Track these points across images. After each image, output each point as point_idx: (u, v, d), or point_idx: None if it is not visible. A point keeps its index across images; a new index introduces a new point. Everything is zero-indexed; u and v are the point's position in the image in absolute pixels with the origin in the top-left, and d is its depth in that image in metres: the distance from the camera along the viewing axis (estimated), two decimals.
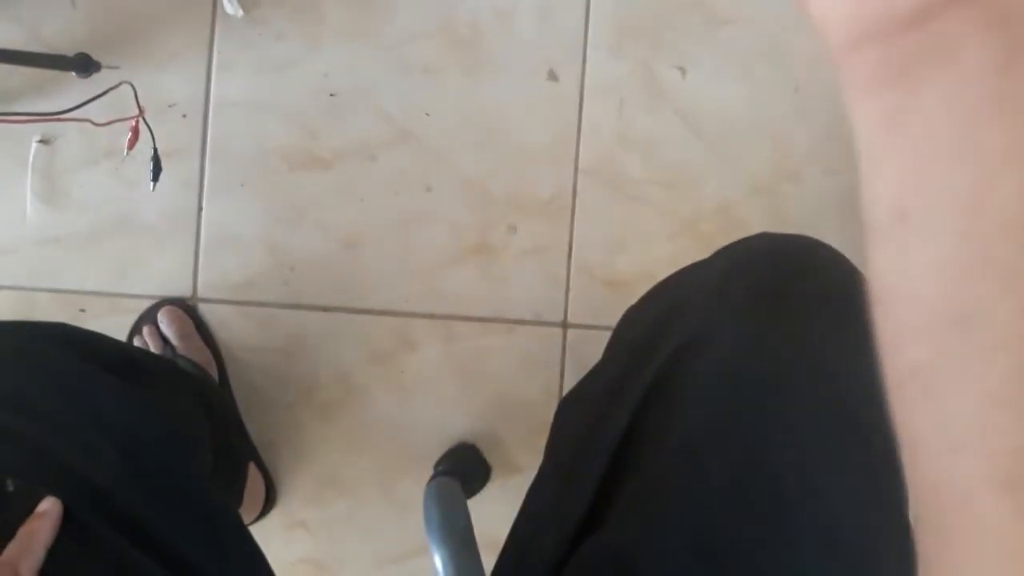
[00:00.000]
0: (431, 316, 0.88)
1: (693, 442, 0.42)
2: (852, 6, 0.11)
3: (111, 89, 0.79)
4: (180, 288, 0.88)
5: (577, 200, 0.88)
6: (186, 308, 0.86)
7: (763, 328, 0.43)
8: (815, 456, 0.40)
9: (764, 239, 0.49)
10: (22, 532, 0.37)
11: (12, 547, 0.36)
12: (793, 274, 0.45)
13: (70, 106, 0.78)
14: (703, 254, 0.51)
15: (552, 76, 0.88)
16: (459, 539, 0.69)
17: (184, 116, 0.87)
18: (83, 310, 0.88)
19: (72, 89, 0.83)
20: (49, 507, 0.39)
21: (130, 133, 0.79)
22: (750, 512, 0.39)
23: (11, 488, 0.41)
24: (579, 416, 0.55)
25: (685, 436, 0.42)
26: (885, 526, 0.40)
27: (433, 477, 0.83)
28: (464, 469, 0.84)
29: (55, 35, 0.87)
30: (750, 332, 0.43)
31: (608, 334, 0.58)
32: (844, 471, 0.40)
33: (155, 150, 0.81)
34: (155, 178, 0.81)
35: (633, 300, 0.56)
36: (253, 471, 0.83)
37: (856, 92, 0.12)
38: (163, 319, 0.84)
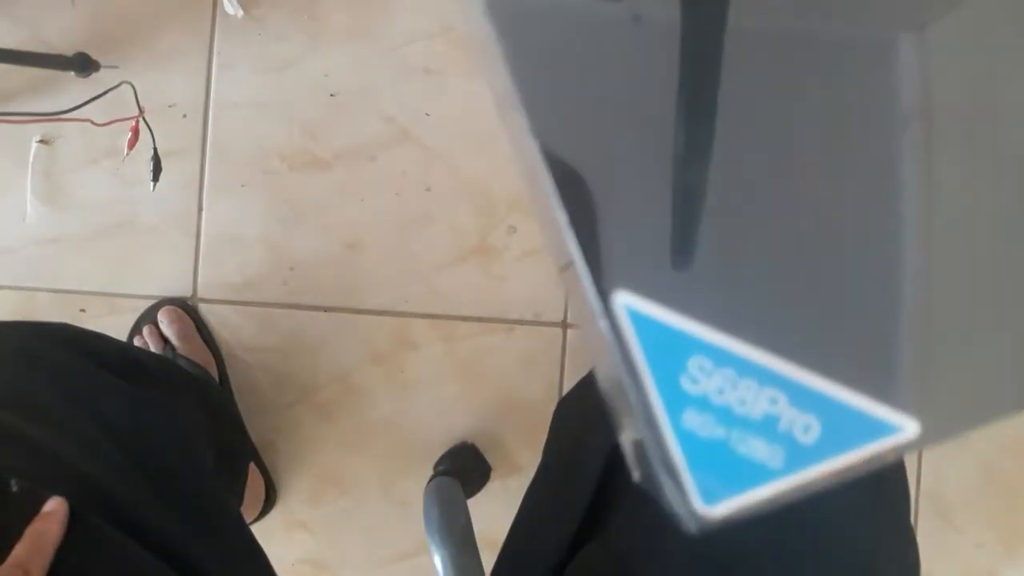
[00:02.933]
0: (431, 316, 0.88)
1: None
2: None
3: (111, 89, 0.79)
4: (180, 288, 0.88)
5: None
6: (186, 308, 0.86)
7: None
8: None
9: None
10: (30, 532, 0.37)
11: (20, 548, 0.36)
12: None
13: (70, 106, 0.78)
14: None
15: None
16: (459, 539, 0.69)
17: (184, 116, 0.87)
18: (83, 310, 0.88)
19: (72, 89, 0.83)
20: (55, 507, 0.39)
21: (130, 133, 0.79)
22: (750, 519, 0.39)
23: (15, 488, 0.41)
24: (578, 416, 0.56)
25: None
26: (886, 534, 0.40)
27: (433, 477, 0.83)
28: (464, 469, 0.84)
29: (55, 35, 0.87)
30: None
31: None
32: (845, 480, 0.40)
33: (155, 150, 0.81)
34: (155, 178, 0.82)
35: None
36: (253, 471, 0.83)
37: None
38: (163, 319, 0.84)
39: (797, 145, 0.14)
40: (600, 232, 0.13)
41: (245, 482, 0.79)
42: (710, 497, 0.13)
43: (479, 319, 0.88)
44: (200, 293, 0.88)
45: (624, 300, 0.13)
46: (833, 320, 0.12)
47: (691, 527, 0.13)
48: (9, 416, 0.45)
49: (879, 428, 0.12)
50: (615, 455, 0.46)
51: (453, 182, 0.88)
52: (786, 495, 0.13)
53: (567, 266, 0.14)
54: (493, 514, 0.83)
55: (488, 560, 0.62)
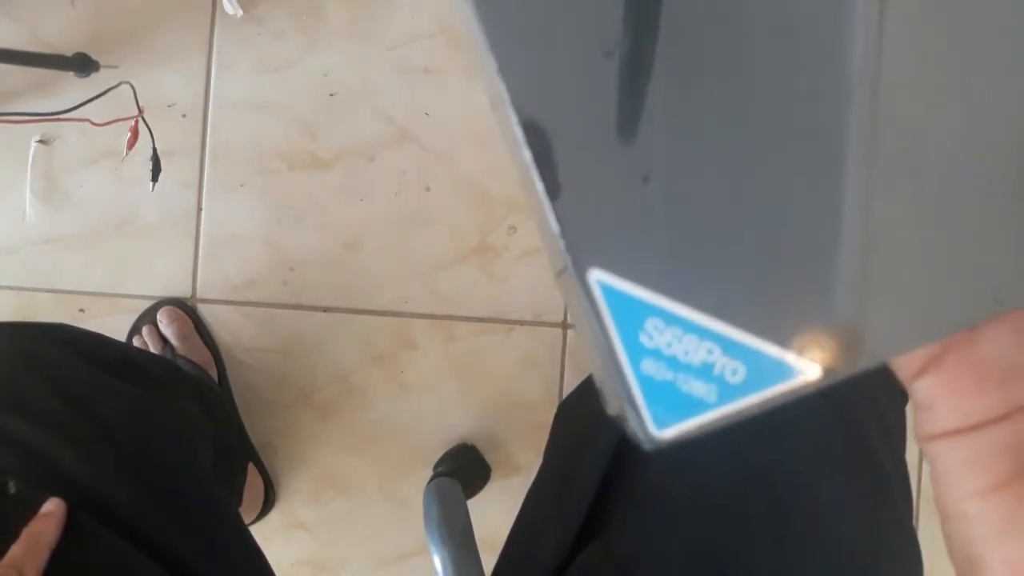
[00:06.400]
0: (431, 316, 0.88)
1: (693, 450, 0.42)
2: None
3: (110, 89, 0.79)
4: (179, 288, 0.88)
5: None
6: (185, 308, 0.86)
7: None
8: (817, 466, 0.40)
9: None
10: (26, 534, 0.37)
11: (16, 549, 0.36)
12: None
13: (69, 106, 0.78)
14: None
15: None
16: (459, 539, 0.69)
17: (184, 116, 0.87)
18: (82, 310, 0.88)
19: (71, 89, 0.83)
20: (52, 509, 0.39)
21: (129, 133, 0.79)
22: (751, 521, 0.39)
23: (12, 490, 0.41)
24: (579, 419, 0.56)
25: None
26: (887, 535, 0.40)
27: (433, 477, 0.83)
28: (464, 469, 0.84)
29: (54, 35, 0.87)
30: None
31: None
32: (846, 481, 0.40)
33: (154, 150, 0.81)
34: (154, 178, 0.81)
35: None
36: (252, 471, 0.83)
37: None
38: (162, 319, 0.84)
39: (742, 106, 0.16)
40: (577, 212, 0.16)
41: (244, 483, 0.79)
42: (661, 424, 0.17)
43: (479, 319, 0.88)
44: (199, 293, 0.88)
45: (597, 276, 0.16)
46: (754, 289, 0.16)
47: (648, 447, 0.17)
48: (6, 417, 0.44)
49: (790, 371, 0.16)
50: (616, 459, 0.45)
51: (453, 182, 0.88)
52: (719, 421, 0.17)
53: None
54: (493, 515, 0.83)
55: (488, 561, 0.62)
